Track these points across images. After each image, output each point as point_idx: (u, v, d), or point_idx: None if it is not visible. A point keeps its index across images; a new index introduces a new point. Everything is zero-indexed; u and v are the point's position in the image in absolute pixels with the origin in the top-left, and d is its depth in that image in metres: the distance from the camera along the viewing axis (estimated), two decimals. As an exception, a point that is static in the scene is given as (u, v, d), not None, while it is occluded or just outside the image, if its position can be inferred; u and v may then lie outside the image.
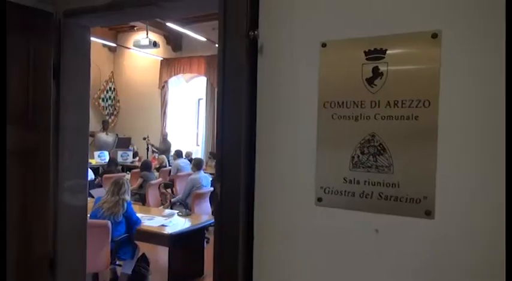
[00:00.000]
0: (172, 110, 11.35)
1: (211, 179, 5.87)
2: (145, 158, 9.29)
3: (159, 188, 7.29)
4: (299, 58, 1.33)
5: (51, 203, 1.55)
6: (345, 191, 1.25)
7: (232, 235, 0.96)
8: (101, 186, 6.46)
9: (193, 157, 9.90)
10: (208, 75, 10.57)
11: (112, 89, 12.01)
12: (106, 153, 10.39)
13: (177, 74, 11.14)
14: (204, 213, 5.15)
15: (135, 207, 4.73)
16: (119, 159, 10.39)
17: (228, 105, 1.24)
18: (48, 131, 1.50)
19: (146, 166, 6.34)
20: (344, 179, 1.25)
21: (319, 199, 1.28)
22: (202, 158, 10.59)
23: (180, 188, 6.86)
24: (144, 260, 4.10)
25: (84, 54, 1.67)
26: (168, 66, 11.15)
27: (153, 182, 6.01)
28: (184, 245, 4.06)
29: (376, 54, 1.20)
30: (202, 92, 10.92)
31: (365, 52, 1.22)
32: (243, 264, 1.06)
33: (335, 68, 1.27)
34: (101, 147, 10.92)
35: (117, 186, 3.69)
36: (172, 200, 5.69)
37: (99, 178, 6.67)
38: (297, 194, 1.32)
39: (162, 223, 4.05)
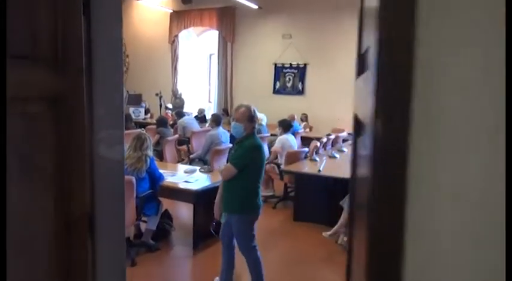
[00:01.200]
0: (183, 65, 11.04)
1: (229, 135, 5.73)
2: (159, 114, 9.14)
3: (175, 144, 7.22)
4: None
5: (87, 155, 1.39)
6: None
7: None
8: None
9: (205, 113, 9.77)
10: (220, 29, 10.16)
11: (120, 43, 11.63)
12: (118, 110, 10.26)
13: (187, 27, 10.73)
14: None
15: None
16: (132, 116, 10.30)
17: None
18: (80, 74, 1.31)
19: (162, 122, 6.20)
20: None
21: None
22: (215, 114, 10.47)
23: (197, 144, 6.76)
24: (167, 216, 4.06)
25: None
26: (178, 19, 10.71)
27: (169, 138, 5.90)
28: (208, 202, 3.99)
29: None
30: (214, 47, 10.55)
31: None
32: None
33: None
34: (112, 104, 10.77)
35: (140, 141, 3.56)
36: (191, 156, 5.59)
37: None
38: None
39: (184, 179, 3.95)
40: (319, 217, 4.44)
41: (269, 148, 7.14)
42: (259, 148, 2.81)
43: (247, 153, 2.75)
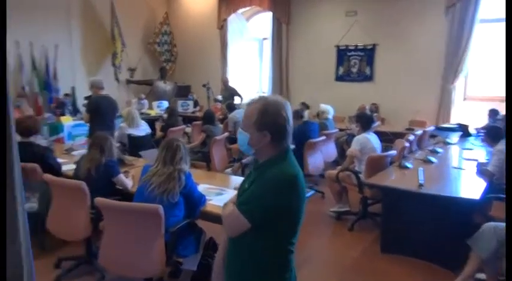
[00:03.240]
0: (233, 53, 10.03)
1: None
2: (207, 107, 8.21)
3: (225, 144, 6.23)
4: None
5: None
6: None
7: None
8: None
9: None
10: (274, 9, 8.99)
11: (168, 32, 10.88)
12: (165, 103, 9.52)
13: (236, 10, 9.67)
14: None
15: (198, 173, 3.65)
16: (179, 109, 9.50)
17: None
18: None
19: (209, 118, 5.20)
20: None
21: None
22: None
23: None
24: (212, 247, 3.04)
25: None
26: (227, 1, 9.68)
27: (218, 137, 4.89)
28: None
29: None
30: (266, 30, 9.40)
31: None
32: None
33: None
34: (160, 96, 10.07)
35: (170, 151, 2.56)
36: (243, 161, 4.53)
37: (162, 133, 5.69)
38: None
39: (234, 200, 2.91)
40: (421, 250, 3.21)
41: (337, 147, 5.92)
42: (294, 183, 1.45)
43: (270, 195, 1.42)
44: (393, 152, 4.11)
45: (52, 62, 8.64)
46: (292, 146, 1.62)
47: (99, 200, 2.33)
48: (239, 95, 8.37)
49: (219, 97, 8.49)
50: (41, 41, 8.38)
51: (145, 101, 9.38)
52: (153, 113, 8.77)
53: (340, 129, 6.21)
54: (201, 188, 3.07)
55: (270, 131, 1.48)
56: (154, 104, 9.29)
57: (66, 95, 8.54)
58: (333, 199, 4.41)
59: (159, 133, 5.82)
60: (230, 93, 8.29)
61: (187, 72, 10.88)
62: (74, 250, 3.23)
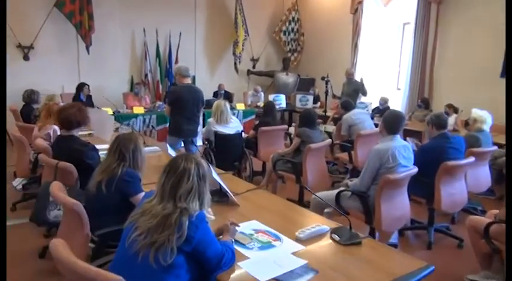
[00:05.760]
0: (365, 41, 8.53)
1: (412, 149, 3.19)
2: (325, 104, 7.01)
3: (332, 151, 5.02)
4: None
5: None
6: None
7: None
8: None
9: (389, 104, 7.07)
10: (422, -14, 7.18)
11: (295, 19, 9.94)
12: (282, 97, 8.66)
13: (375, -10, 8.13)
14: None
15: (283, 192, 2.60)
16: (297, 104, 8.54)
17: None
18: None
19: (306, 119, 4.03)
20: None
21: None
22: (404, 106, 7.64)
23: (362, 155, 4.37)
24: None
25: None
26: (365, -20, 8.21)
27: (314, 145, 3.71)
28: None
29: None
30: (410, 13, 7.59)
31: None
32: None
33: None
34: (281, 89, 9.25)
35: (173, 175, 1.56)
36: (349, 183, 3.18)
37: (254, 132, 4.80)
38: None
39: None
40: None
41: (491, 171, 4.13)
42: None
43: None
44: None
45: (175, 50, 8.59)
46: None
47: (54, 249, 1.47)
48: (364, 92, 6.91)
49: (339, 93, 7.19)
50: (166, 28, 8.37)
51: (262, 94, 8.66)
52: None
53: (500, 146, 4.32)
54: (245, 226, 2.02)
55: None
56: (270, 97, 8.49)
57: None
58: (475, 258, 2.82)
59: (250, 132, 4.92)
60: (353, 89, 6.90)
61: (313, 63, 9.78)
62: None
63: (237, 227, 1.95)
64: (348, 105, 5.31)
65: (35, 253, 3.01)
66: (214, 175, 2.45)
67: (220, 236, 1.85)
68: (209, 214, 1.76)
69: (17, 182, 4.19)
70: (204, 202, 1.61)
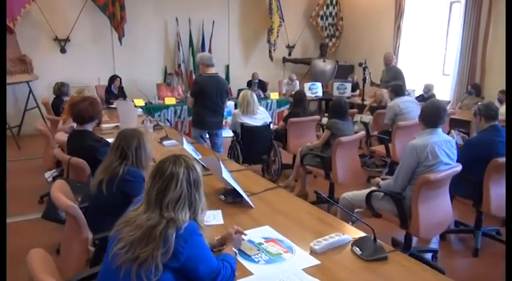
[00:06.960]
0: (409, 23, 7.92)
1: (456, 142, 2.81)
2: (363, 91, 6.58)
3: (367, 144, 4.68)
4: None
5: None
6: None
7: None
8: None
9: (434, 92, 6.51)
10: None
11: (334, 2, 9.45)
12: (319, 85, 8.28)
13: (421, -33, 7.49)
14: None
15: (314, 187, 2.37)
16: (335, 92, 8.12)
17: None
18: None
19: (336, 109, 3.69)
20: None
21: None
22: (452, 93, 7.01)
23: (401, 149, 3.99)
24: None
25: None
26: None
27: (345, 138, 3.40)
28: None
29: None
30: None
31: None
32: None
33: None
34: (318, 77, 8.86)
35: (160, 180, 1.36)
36: (380, 183, 2.73)
37: (284, 123, 4.54)
38: None
39: None
40: None
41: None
42: None
43: None
44: None
45: (208, 39, 8.44)
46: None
47: (28, 261, 1.32)
48: (402, 79, 6.37)
49: (378, 81, 6.71)
50: (199, 17, 8.23)
51: (297, 82, 8.32)
52: (302, 96, 7.63)
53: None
54: (256, 233, 1.80)
55: None
56: (306, 85, 8.14)
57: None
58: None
59: (280, 123, 4.65)
60: (392, 75, 6.39)
61: (352, 49, 9.28)
62: None
63: (243, 236, 1.74)
64: (398, 89, 4.75)
65: (54, 247, 2.97)
66: (226, 174, 2.24)
67: (224, 246, 1.65)
68: (206, 221, 1.55)
69: (49, 174, 4.24)
70: (197, 212, 1.40)
